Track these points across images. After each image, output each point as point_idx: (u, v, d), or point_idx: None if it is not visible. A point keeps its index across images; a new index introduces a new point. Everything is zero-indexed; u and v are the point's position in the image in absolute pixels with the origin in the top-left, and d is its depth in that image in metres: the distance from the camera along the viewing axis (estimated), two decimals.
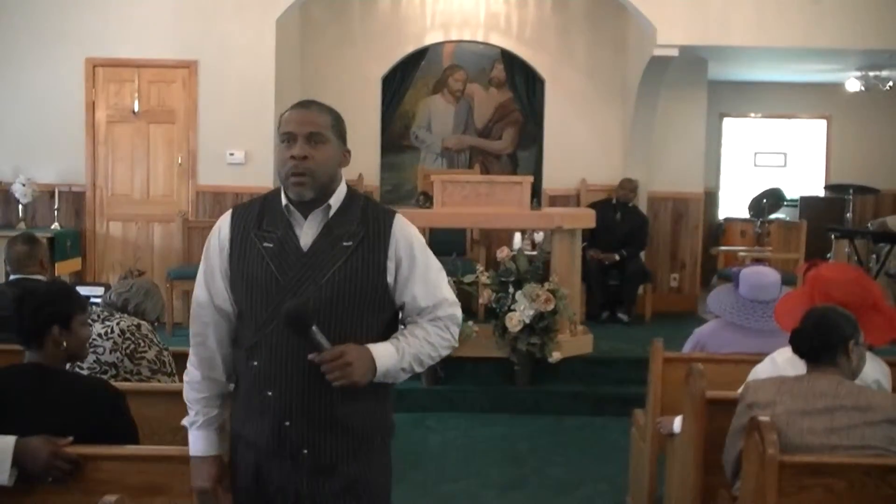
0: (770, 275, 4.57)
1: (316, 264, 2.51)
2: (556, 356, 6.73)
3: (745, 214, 11.22)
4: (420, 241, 2.65)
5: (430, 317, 2.63)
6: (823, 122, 12.23)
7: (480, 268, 7.11)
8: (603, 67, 9.79)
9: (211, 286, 2.63)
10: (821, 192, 11.79)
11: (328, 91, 9.21)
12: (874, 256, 9.57)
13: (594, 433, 6.41)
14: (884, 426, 3.10)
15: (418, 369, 2.63)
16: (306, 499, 2.57)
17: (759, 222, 10.66)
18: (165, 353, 4.01)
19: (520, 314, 6.61)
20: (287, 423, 2.52)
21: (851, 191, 10.68)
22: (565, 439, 6.33)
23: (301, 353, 2.46)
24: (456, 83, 10.54)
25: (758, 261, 9.01)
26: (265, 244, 2.53)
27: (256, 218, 2.58)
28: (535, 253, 7.56)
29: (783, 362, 3.56)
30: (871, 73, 10.18)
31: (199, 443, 2.65)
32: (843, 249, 9.80)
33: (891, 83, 10.29)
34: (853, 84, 10.46)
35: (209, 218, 8.36)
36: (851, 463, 3.02)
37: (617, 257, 8.87)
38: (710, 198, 11.58)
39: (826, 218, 10.63)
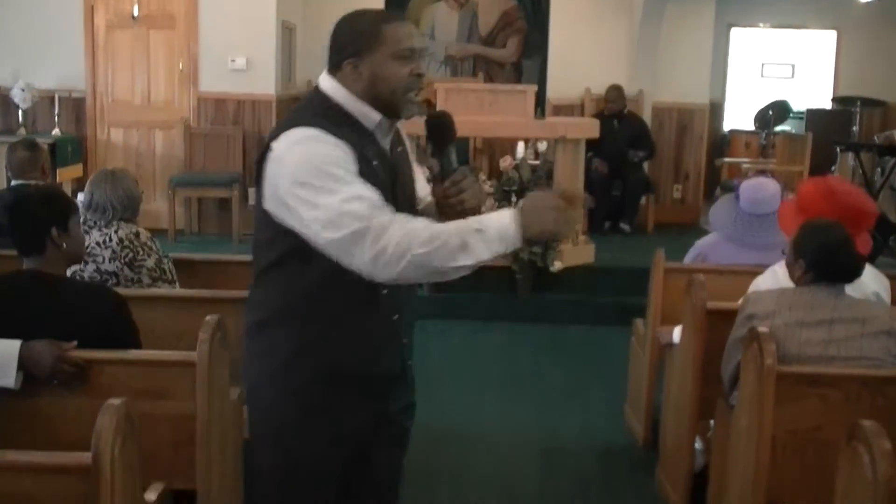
0: (770, 187, 4.55)
1: (405, 176, 2.47)
2: (557, 265, 6.75)
3: (751, 126, 11.13)
4: None
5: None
6: (833, 34, 12.03)
7: (483, 177, 7.09)
8: None
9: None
10: (828, 105, 11.67)
11: None
12: (879, 170, 9.50)
13: (594, 342, 6.46)
14: (881, 338, 3.13)
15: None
16: (402, 413, 2.63)
17: (764, 134, 10.57)
18: (165, 260, 3.99)
19: None
20: (405, 341, 2.52)
21: (859, 103, 10.56)
22: (565, 348, 6.39)
23: None
24: None
25: (761, 172, 8.97)
26: (374, 162, 2.32)
27: (350, 134, 2.28)
28: (538, 162, 7.54)
29: (784, 274, 3.56)
30: None
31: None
32: (848, 163, 9.74)
33: None
34: None
35: (211, 125, 8.31)
36: (848, 374, 3.05)
37: (636, 158, 8.88)
38: (716, 109, 11.47)
39: (832, 131, 10.53)
